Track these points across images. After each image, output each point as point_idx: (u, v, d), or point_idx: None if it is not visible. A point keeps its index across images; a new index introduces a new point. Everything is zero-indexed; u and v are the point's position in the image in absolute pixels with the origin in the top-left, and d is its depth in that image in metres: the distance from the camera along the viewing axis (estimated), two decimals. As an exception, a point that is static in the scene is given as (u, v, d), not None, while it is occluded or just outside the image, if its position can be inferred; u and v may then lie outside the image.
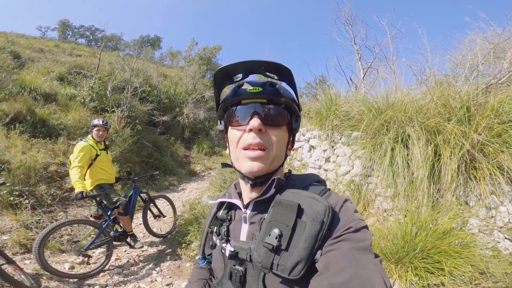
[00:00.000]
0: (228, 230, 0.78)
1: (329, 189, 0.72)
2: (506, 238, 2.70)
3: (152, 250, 3.89)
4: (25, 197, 4.09)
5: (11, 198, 3.92)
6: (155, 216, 4.31)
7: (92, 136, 3.63)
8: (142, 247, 3.66)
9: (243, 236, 0.74)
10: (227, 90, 0.78)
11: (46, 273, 2.85)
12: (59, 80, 9.29)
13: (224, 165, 0.88)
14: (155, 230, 4.41)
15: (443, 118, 3.27)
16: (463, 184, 2.98)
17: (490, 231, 2.74)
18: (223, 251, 0.75)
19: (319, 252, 0.58)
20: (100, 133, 3.65)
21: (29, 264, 3.11)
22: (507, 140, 2.85)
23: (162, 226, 4.69)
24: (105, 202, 3.48)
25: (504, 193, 2.76)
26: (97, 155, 3.53)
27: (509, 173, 2.68)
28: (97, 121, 3.67)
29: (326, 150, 4.79)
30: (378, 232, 2.97)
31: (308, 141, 5.31)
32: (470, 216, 2.81)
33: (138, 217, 4.96)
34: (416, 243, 2.48)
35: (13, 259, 2.72)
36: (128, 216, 3.54)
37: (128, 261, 3.53)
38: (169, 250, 3.84)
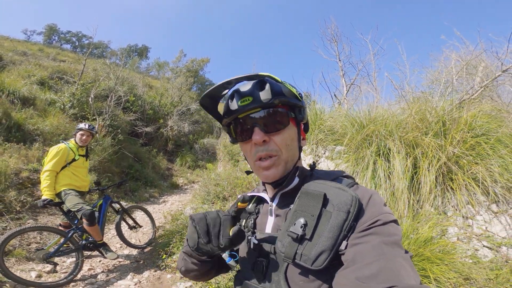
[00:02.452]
0: (254, 223, 0.78)
1: (356, 183, 0.72)
2: (484, 246, 2.80)
3: (130, 260, 3.69)
4: (-8, 202, 3.82)
5: (-24, 204, 3.66)
6: (130, 227, 4.11)
7: (75, 140, 3.50)
8: (117, 257, 3.43)
9: (268, 229, 0.74)
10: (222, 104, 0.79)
11: (9, 280, 2.64)
12: (40, 85, 8.95)
13: (248, 172, 0.91)
14: (133, 241, 4.21)
15: (421, 132, 3.44)
16: (441, 194, 3.10)
17: (468, 239, 2.84)
18: (248, 243, 0.74)
19: (344, 243, 0.57)
20: (84, 137, 3.51)
21: (-9, 271, 2.86)
22: (481, 152, 3.03)
23: (141, 237, 4.48)
24: (70, 209, 3.28)
25: (480, 203, 2.89)
26: (73, 160, 3.37)
27: (484, 184, 2.82)
28: (83, 125, 3.55)
29: (310, 164, 4.86)
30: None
31: (293, 155, 5.37)
32: (449, 225, 2.90)
33: (111, 228, 4.74)
34: (399, 250, 2.51)
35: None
36: (95, 226, 3.26)
37: (102, 272, 3.31)
38: (148, 261, 3.65)
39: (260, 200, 0.84)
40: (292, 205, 0.67)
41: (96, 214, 3.43)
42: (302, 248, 0.58)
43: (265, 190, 0.82)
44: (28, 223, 3.94)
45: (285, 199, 0.74)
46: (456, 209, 3.05)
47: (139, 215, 5.25)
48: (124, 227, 4.04)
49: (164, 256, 3.43)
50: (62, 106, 7.93)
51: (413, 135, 3.39)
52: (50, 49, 19.89)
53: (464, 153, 3.07)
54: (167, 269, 3.28)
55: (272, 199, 0.77)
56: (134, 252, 3.99)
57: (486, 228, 2.82)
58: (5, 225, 3.68)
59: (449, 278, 2.31)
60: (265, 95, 0.68)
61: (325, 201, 0.61)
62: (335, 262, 0.57)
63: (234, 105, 0.71)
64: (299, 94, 0.76)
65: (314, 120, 5.10)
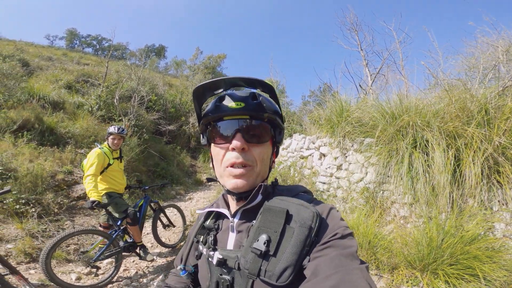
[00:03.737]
0: (215, 239, 0.77)
1: (315, 198, 0.73)
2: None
3: (161, 261, 3.76)
4: (31, 205, 4.00)
5: (17, 206, 3.84)
6: (164, 226, 4.19)
7: (108, 144, 3.54)
8: (153, 259, 3.51)
9: (230, 245, 0.73)
10: (209, 101, 0.78)
11: (52, 284, 2.73)
12: (67, 89, 9.30)
13: (209, 179, 0.86)
14: (163, 240, 4.29)
15: (462, 121, 3.20)
16: (487, 189, 2.88)
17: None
18: (210, 259, 0.73)
19: (306, 258, 0.58)
20: (116, 141, 3.54)
21: (34, 274, 3.00)
22: (531, 143, 2.77)
23: (171, 236, 4.57)
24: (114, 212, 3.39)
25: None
26: (109, 164, 3.44)
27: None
28: (113, 128, 3.55)
29: (337, 157, 4.70)
30: (400, 239, 2.85)
31: (319, 149, 5.23)
32: (497, 221, 2.69)
33: (146, 226, 4.86)
34: (444, 249, 2.37)
35: (18, 268, 2.62)
36: (137, 226, 3.40)
37: (136, 272, 3.40)
38: (179, 260, 3.71)
39: (219, 216, 0.83)
40: (254, 221, 0.67)
41: (137, 214, 3.50)
42: (266, 264, 0.58)
43: (226, 204, 0.80)
44: (66, 225, 4.12)
45: (247, 215, 0.73)
46: (503, 204, 2.83)
47: (169, 214, 5.35)
48: (158, 225, 4.11)
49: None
50: (90, 109, 8.18)
51: (453, 125, 3.16)
52: (73, 53, 20.70)
53: (512, 143, 2.82)
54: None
55: (234, 215, 0.75)
56: (164, 250, 4.07)
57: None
58: (45, 227, 3.84)
59: (499, 277, 2.18)
60: (258, 106, 0.70)
61: (288, 217, 0.62)
62: (298, 276, 0.58)
63: (224, 105, 0.70)
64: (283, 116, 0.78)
65: (340, 112, 4.91)
